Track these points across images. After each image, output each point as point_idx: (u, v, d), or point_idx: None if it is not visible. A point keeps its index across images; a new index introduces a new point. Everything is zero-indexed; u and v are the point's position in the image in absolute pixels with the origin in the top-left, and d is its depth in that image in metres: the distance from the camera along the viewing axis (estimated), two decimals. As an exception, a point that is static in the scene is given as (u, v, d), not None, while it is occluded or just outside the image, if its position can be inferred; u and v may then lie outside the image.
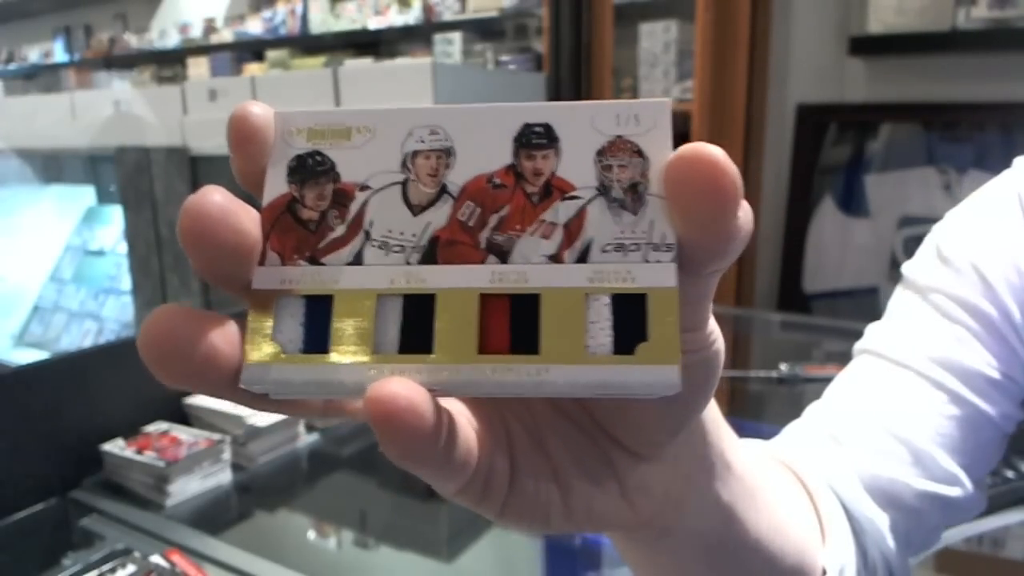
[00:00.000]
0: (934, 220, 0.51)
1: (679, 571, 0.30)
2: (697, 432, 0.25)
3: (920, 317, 0.46)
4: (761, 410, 1.08)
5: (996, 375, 0.44)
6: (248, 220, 0.19)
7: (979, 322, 0.44)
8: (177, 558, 0.65)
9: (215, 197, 0.18)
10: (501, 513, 0.23)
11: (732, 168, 0.17)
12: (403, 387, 0.17)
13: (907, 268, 0.50)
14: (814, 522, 0.37)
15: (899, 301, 0.49)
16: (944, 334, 0.45)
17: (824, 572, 0.35)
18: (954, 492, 0.43)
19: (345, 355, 0.18)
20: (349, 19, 3.16)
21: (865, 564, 0.40)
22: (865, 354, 0.48)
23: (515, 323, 0.18)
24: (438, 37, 2.84)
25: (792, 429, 0.47)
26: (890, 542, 0.41)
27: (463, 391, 0.18)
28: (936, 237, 0.49)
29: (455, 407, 0.22)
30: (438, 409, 0.18)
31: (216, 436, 0.84)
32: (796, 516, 0.35)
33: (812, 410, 0.48)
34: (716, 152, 0.17)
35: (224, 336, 0.18)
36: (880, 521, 0.41)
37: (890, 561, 0.41)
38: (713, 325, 0.21)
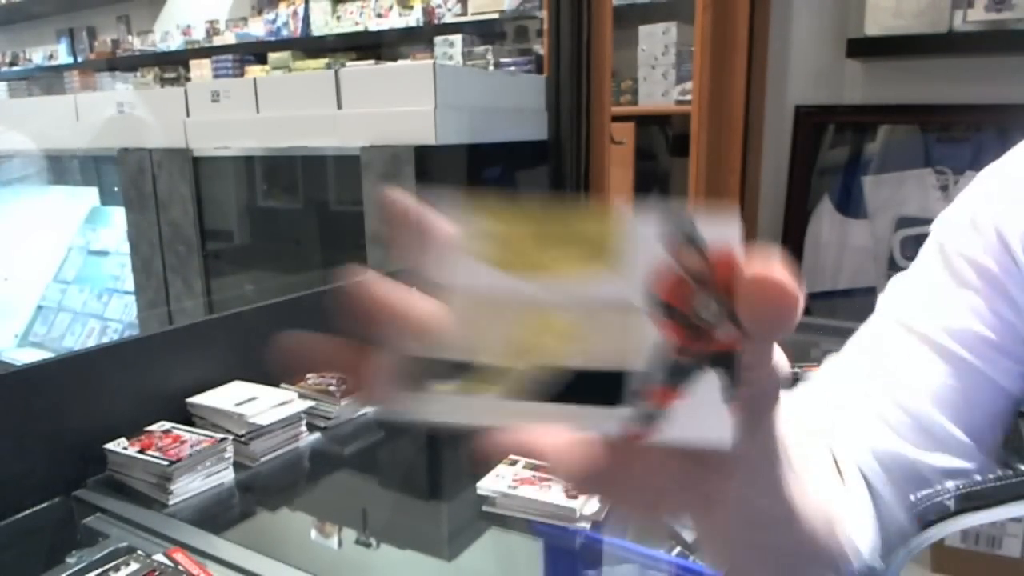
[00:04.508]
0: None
1: (723, 541, 0.33)
2: (766, 433, 0.29)
3: (940, 285, 0.49)
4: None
5: (1008, 341, 0.46)
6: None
7: (994, 288, 0.46)
8: (180, 556, 0.66)
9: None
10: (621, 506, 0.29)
11: (796, 289, 0.22)
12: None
13: (937, 224, 0.52)
14: (843, 500, 0.40)
15: (925, 263, 0.51)
16: (959, 303, 0.47)
17: (857, 553, 0.38)
18: (967, 463, 0.46)
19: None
20: (351, 21, 3.17)
21: (881, 526, 0.44)
22: (887, 318, 0.51)
23: None
24: (439, 39, 2.85)
25: (812, 386, 0.51)
26: (902, 514, 0.45)
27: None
28: (967, 195, 0.51)
29: None
30: None
31: (219, 435, 0.85)
32: (828, 493, 0.38)
33: (833, 363, 0.52)
34: (782, 278, 0.22)
35: None
36: (897, 495, 0.44)
37: (904, 531, 0.45)
38: (779, 355, 0.26)
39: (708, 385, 0.22)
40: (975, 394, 0.46)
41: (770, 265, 0.22)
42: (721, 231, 0.22)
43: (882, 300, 0.52)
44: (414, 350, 0.23)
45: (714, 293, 0.22)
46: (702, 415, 0.22)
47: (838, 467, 0.43)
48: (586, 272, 0.23)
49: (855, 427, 0.47)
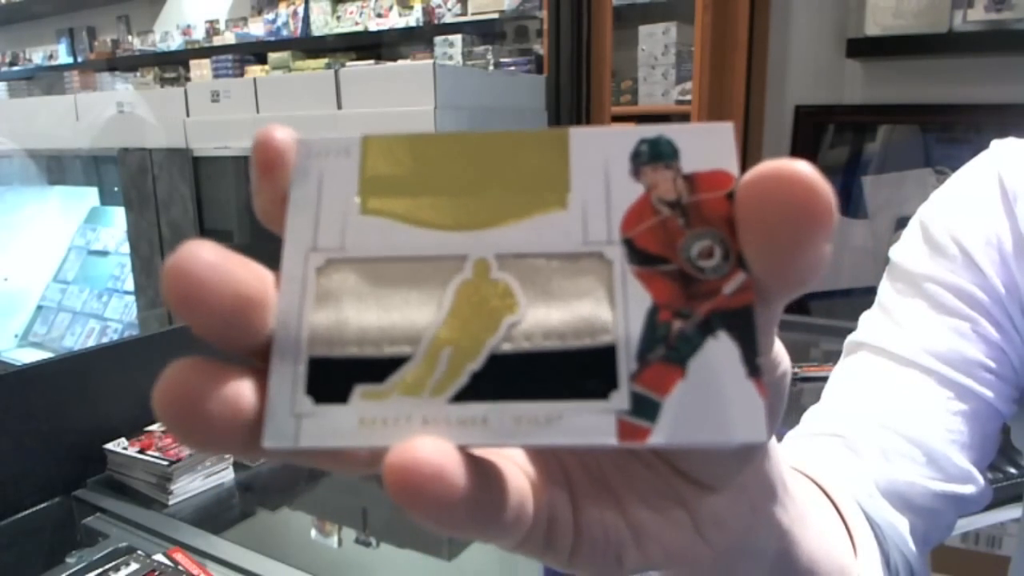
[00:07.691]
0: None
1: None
2: (763, 456, 0.23)
3: (916, 309, 0.46)
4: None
5: (993, 363, 0.44)
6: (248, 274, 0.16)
7: (974, 310, 0.45)
8: (180, 556, 0.66)
9: (204, 255, 0.15)
10: (570, 561, 0.21)
11: (825, 187, 0.16)
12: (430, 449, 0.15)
13: (895, 253, 0.50)
14: (845, 537, 0.35)
15: (891, 291, 0.49)
16: (942, 327, 0.45)
17: None
18: (968, 489, 0.44)
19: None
20: (351, 21, 3.17)
21: (888, 570, 0.40)
22: (863, 350, 0.48)
23: None
24: (439, 39, 2.85)
25: (798, 434, 0.46)
26: (911, 545, 0.41)
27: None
28: (922, 218, 0.50)
29: (503, 451, 0.20)
30: (473, 468, 0.16)
31: (218, 435, 0.85)
32: (832, 533, 0.34)
33: (814, 413, 0.47)
34: (803, 169, 0.16)
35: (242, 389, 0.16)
36: (901, 526, 0.41)
37: (911, 563, 0.42)
38: (778, 348, 0.20)
39: (721, 358, 0.16)
40: (979, 422, 0.44)
41: (780, 162, 0.16)
42: (711, 147, 0.18)
43: (854, 338, 0.49)
44: (319, 348, 0.17)
45: (709, 229, 0.17)
46: (718, 401, 0.16)
47: (832, 500, 0.37)
48: (533, 215, 0.17)
49: (851, 459, 0.43)
